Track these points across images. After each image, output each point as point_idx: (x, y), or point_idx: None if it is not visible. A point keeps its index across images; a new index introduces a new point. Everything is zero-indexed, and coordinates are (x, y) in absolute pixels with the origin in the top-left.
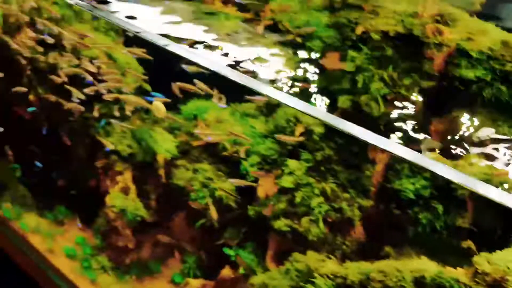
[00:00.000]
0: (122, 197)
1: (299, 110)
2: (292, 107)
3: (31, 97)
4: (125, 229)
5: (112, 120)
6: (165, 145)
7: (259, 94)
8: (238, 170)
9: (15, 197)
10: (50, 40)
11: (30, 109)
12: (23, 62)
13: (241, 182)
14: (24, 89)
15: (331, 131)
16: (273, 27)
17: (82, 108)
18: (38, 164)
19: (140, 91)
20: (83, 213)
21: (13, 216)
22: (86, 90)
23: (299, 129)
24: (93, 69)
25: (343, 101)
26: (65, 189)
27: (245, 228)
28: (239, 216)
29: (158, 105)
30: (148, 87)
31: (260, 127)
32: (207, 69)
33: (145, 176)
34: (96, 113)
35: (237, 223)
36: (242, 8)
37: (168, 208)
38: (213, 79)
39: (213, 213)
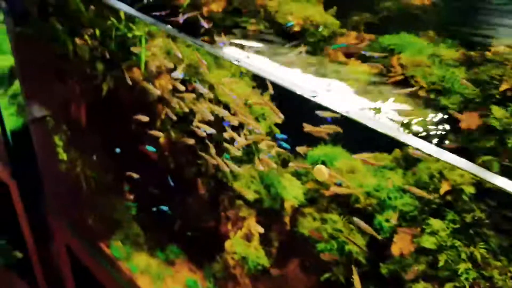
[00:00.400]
0: (244, 244)
1: (454, 165)
2: (443, 161)
3: (161, 140)
4: (243, 277)
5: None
6: (293, 191)
7: (401, 143)
8: (371, 224)
9: (128, 236)
10: (202, 90)
11: (149, 148)
12: (160, 106)
13: (369, 230)
14: (159, 134)
15: (482, 192)
16: (403, 82)
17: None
18: (164, 208)
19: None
20: (197, 255)
21: (123, 255)
22: (225, 135)
23: (445, 187)
24: (232, 118)
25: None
26: (180, 229)
27: (375, 286)
28: (368, 273)
29: (321, 169)
30: (277, 130)
31: (397, 180)
32: (341, 115)
33: (269, 223)
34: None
35: (366, 280)
36: (367, 60)
37: (288, 256)
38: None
39: (357, 283)
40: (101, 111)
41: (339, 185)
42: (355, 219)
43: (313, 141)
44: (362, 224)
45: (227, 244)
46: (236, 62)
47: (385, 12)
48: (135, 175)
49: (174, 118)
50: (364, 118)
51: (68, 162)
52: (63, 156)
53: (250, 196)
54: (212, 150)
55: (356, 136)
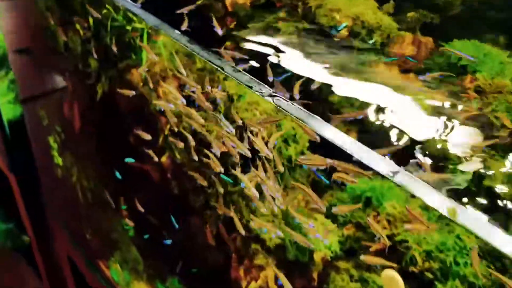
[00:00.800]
0: None
1: None
2: None
3: (163, 159)
4: None
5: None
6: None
7: None
8: None
9: (126, 260)
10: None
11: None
12: (163, 120)
13: None
14: (156, 159)
15: None
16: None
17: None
18: (167, 242)
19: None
20: None
21: (122, 283)
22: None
23: None
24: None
25: None
26: (183, 264)
27: None
28: None
29: (393, 276)
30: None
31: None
32: None
33: (293, 277)
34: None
35: None
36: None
37: None
38: None
39: None
40: (95, 117)
41: (388, 237)
42: None
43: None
44: None
45: None
46: (269, 99)
47: (453, 9)
48: (134, 199)
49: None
50: None
51: (64, 168)
52: (59, 160)
53: (271, 241)
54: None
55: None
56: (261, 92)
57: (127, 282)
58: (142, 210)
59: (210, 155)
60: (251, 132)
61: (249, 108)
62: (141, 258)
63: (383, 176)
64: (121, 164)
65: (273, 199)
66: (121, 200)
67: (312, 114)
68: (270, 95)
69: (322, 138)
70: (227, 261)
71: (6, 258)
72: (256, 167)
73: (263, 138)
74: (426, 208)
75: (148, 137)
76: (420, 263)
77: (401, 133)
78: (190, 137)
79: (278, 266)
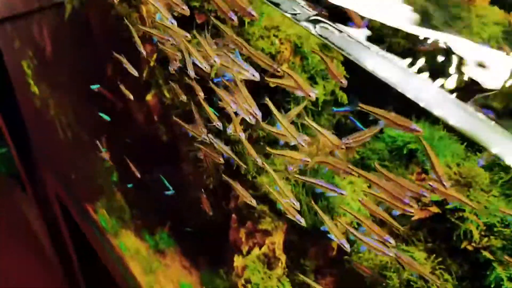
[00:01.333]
0: (262, 271)
1: None
2: None
3: (148, 97)
4: None
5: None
6: (353, 204)
7: None
8: (483, 277)
9: (112, 207)
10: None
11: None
12: (148, 47)
13: None
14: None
15: None
16: None
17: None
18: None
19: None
20: (192, 251)
21: (111, 230)
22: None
23: None
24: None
25: None
26: (172, 216)
27: None
28: None
29: None
30: (344, 96)
31: None
32: None
33: (306, 246)
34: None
35: None
36: None
37: None
38: None
39: None
40: (65, 41)
41: (439, 204)
42: None
43: None
44: None
45: (237, 262)
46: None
47: None
48: (113, 136)
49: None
50: None
51: (41, 99)
52: (35, 89)
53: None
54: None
55: None
56: (294, 14)
57: (115, 230)
58: (125, 157)
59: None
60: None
61: (265, 35)
62: (127, 206)
63: (434, 121)
64: (98, 100)
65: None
66: (102, 140)
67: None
68: (310, 20)
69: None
70: (226, 221)
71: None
72: None
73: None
74: (492, 165)
75: (133, 71)
76: (477, 239)
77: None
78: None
79: (288, 231)
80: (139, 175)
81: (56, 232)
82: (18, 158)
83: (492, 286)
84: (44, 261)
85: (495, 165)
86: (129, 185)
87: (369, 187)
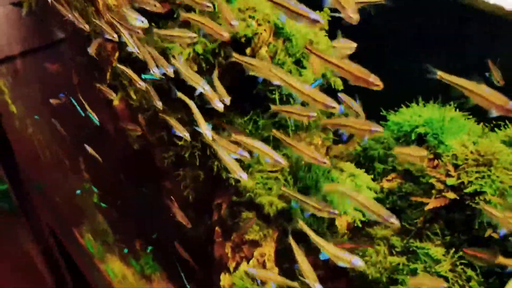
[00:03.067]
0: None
1: None
2: None
3: (115, 102)
4: None
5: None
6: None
7: None
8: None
9: (96, 231)
10: None
11: None
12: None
13: None
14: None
15: None
16: None
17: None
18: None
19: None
20: (178, 276)
21: (97, 255)
22: None
23: None
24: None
25: None
26: (157, 238)
27: None
28: None
29: None
30: (337, 80)
31: None
32: None
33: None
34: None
35: None
36: None
37: None
38: None
39: None
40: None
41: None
42: None
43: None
44: None
45: (224, 281)
46: None
47: None
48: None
49: None
50: None
51: (18, 118)
52: (13, 108)
53: (267, 203)
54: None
55: None
56: None
57: (101, 255)
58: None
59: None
60: None
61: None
62: (110, 228)
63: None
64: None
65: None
66: (79, 158)
67: None
68: None
69: None
70: (209, 236)
71: (2, 220)
72: None
73: None
74: None
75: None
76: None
77: None
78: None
79: (278, 238)
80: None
81: (53, 262)
82: (12, 190)
83: None
84: None
85: None
86: (103, 205)
87: (374, 180)
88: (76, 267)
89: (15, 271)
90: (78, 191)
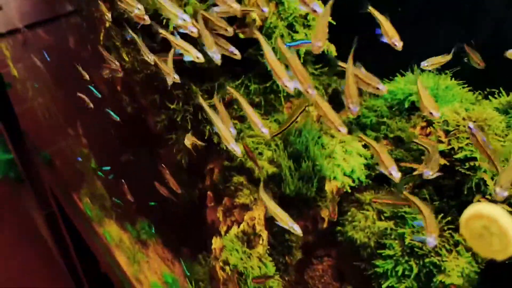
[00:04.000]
0: (240, 251)
1: None
2: None
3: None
4: None
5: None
6: (345, 166)
7: None
8: None
9: (94, 195)
10: None
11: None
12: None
13: None
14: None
15: None
16: None
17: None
18: None
19: None
20: (172, 242)
21: (95, 218)
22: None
23: None
24: None
25: None
26: (148, 203)
27: None
28: None
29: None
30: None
31: None
32: None
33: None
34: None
35: None
36: None
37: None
38: None
39: None
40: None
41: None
42: None
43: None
44: None
45: (215, 244)
46: None
47: None
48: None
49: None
50: None
51: (20, 81)
52: (15, 72)
53: (262, 170)
54: None
55: None
56: None
57: (99, 218)
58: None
59: None
60: None
61: None
62: (107, 193)
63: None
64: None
65: None
66: (77, 122)
67: None
68: None
69: None
70: (203, 200)
71: (9, 188)
72: None
73: None
74: (508, 108)
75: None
76: (491, 190)
77: None
78: None
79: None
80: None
81: (56, 228)
82: (16, 156)
83: None
84: (51, 264)
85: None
86: (106, 168)
87: (364, 146)
88: (76, 231)
89: (21, 238)
90: (79, 158)
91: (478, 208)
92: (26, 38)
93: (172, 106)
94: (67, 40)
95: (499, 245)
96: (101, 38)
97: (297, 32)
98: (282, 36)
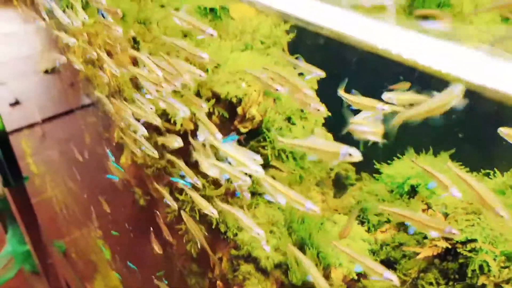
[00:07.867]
0: None
1: None
2: None
3: (122, 159)
4: None
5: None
6: (351, 248)
7: None
8: None
9: (108, 286)
10: None
11: None
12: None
13: None
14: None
15: None
16: None
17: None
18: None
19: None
20: None
21: None
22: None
23: None
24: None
25: None
26: None
27: None
28: None
29: None
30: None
31: None
32: None
33: None
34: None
35: None
36: None
37: None
38: None
39: None
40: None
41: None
42: None
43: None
44: None
45: None
46: None
47: None
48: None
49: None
50: None
51: (39, 177)
52: (33, 168)
53: (264, 256)
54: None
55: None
56: None
57: None
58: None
59: None
60: None
61: (231, 80)
62: (121, 285)
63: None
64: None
65: None
66: (92, 214)
67: None
68: None
69: None
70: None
71: (24, 280)
72: None
73: None
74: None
75: None
76: (495, 272)
77: None
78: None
79: None
80: None
81: None
82: (32, 248)
83: None
84: None
85: (507, 187)
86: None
87: (368, 231)
88: None
89: None
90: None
91: None
92: (44, 131)
93: (180, 198)
94: (82, 134)
95: None
96: (115, 136)
97: (294, 124)
98: (281, 128)
